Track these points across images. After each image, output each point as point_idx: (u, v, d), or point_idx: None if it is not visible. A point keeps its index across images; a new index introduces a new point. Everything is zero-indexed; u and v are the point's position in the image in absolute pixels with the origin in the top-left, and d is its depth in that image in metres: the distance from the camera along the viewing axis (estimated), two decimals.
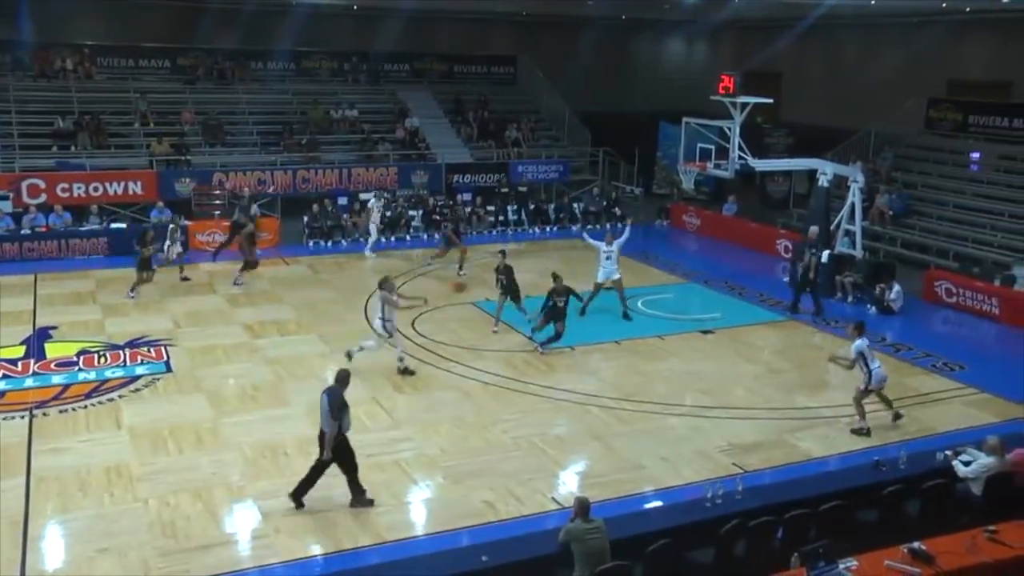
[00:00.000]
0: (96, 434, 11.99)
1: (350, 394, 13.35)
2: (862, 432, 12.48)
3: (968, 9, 24.16)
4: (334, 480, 10.82)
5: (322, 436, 10.09)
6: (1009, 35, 25.20)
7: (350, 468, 10.21)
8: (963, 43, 26.62)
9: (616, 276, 17.38)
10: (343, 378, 10.31)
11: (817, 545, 7.34)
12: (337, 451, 10.06)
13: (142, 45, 27.63)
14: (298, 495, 10.12)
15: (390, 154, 27.07)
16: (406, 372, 14.25)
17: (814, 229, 18.86)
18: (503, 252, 17.39)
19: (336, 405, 9.97)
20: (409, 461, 11.34)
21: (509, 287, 16.64)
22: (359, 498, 10.22)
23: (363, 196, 24.87)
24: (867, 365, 12.53)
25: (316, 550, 9.45)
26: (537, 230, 25.93)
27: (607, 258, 17.33)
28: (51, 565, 9.13)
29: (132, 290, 18.09)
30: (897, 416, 12.85)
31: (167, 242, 19.32)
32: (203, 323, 16.70)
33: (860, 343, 12.56)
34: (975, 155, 24.61)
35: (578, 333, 16.14)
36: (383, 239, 23.33)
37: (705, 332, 16.82)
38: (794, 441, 12.26)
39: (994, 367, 15.49)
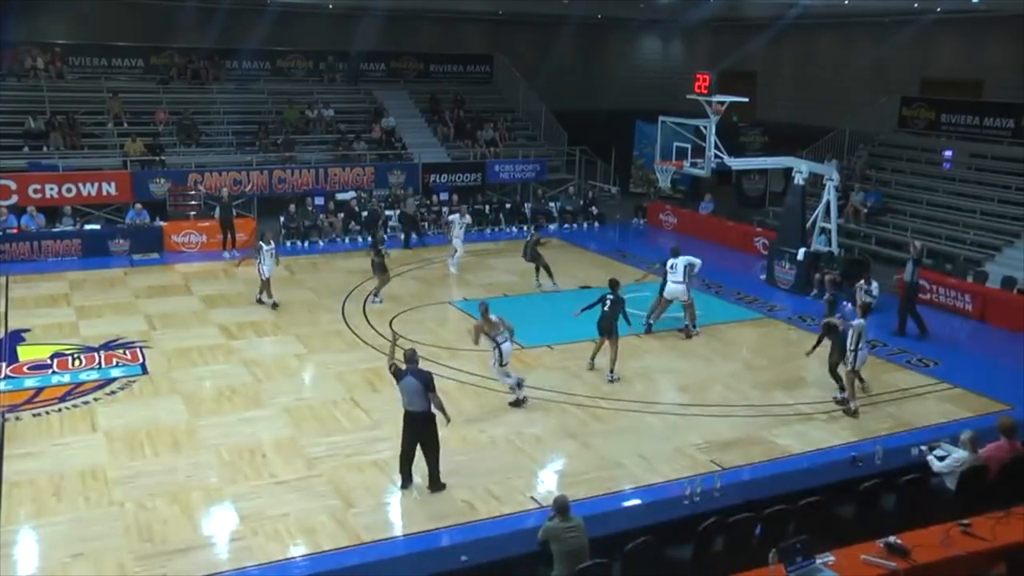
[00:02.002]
0: (71, 437, 11.85)
1: (329, 394, 13.43)
2: (844, 405, 13.15)
3: (939, 9, 24.41)
4: (314, 481, 10.81)
5: (411, 417, 10.42)
6: (980, 34, 25.51)
7: (434, 449, 10.61)
8: (935, 42, 26.90)
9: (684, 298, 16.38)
10: (413, 356, 10.68)
11: (795, 541, 7.37)
12: (430, 431, 10.47)
13: (115, 44, 27.32)
14: (434, 483, 10.60)
15: (366, 154, 26.98)
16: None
17: (918, 244, 17.86)
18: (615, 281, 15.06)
19: (429, 380, 10.41)
20: (388, 461, 11.25)
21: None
22: (436, 483, 10.64)
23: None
24: (855, 344, 12.80)
25: (294, 552, 9.39)
26: (514, 229, 25.93)
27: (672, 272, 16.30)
28: (24, 571, 9.01)
29: (376, 295, 18.14)
30: (844, 403, 13.24)
31: (257, 260, 17.81)
32: (179, 325, 16.57)
33: (861, 322, 12.94)
34: (947, 153, 24.89)
35: (555, 332, 16.16)
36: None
37: (682, 330, 16.84)
38: (772, 438, 12.33)
39: (968, 363, 15.66)
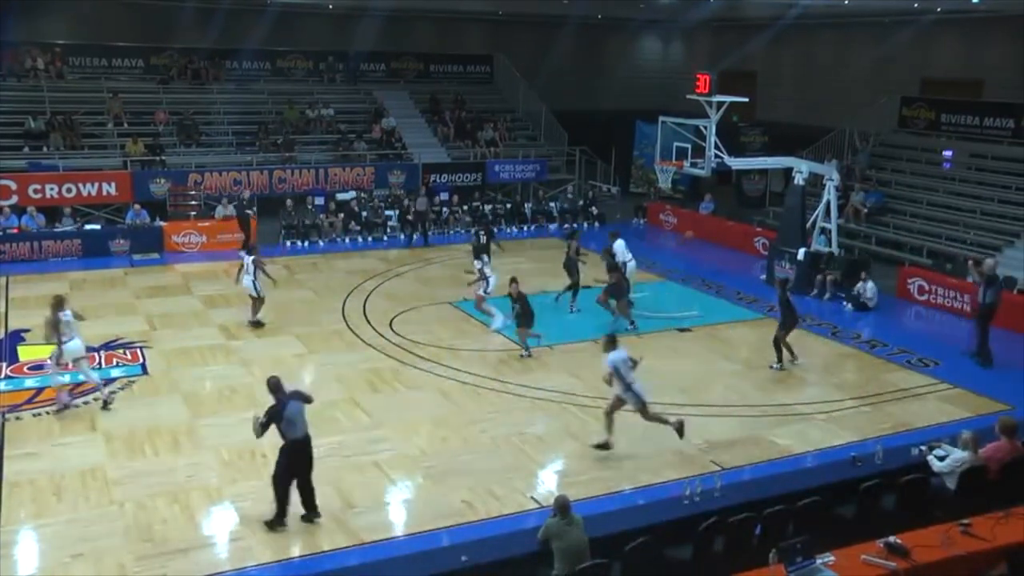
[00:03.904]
0: (70, 438, 11.85)
1: (329, 394, 13.42)
2: (605, 447, 11.55)
3: (939, 9, 24.41)
4: (314, 481, 10.80)
5: (300, 445, 9.70)
6: (980, 34, 25.49)
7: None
8: (935, 42, 26.90)
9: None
10: (279, 384, 9.82)
11: (795, 541, 7.37)
12: (307, 459, 9.84)
13: (115, 44, 27.34)
14: (314, 511, 9.89)
15: (366, 154, 26.98)
16: None
17: (990, 262, 16.28)
18: (515, 279, 15.60)
19: (308, 394, 9.99)
20: (388, 461, 11.29)
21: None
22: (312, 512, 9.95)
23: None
24: (625, 382, 11.31)
25: (294, 552, 9.39)
26: (514, 229, 25.94)
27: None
28: (24, 571, 9.01)
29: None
30: (604, 447, 11.58)
31: (246, 275, 16.23)
32: (179, 325, 16.56)
33: (614, 356, 11.37)
34: (948, 153, 24.87)
35: (556, 332, 16.16)
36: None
37: (682, 330, 16.86)
38: (772, 438, 12.32)
39: (968, 363, 15.61)
